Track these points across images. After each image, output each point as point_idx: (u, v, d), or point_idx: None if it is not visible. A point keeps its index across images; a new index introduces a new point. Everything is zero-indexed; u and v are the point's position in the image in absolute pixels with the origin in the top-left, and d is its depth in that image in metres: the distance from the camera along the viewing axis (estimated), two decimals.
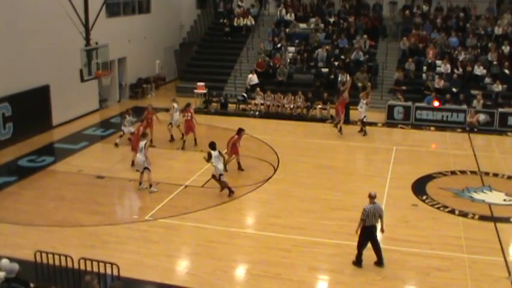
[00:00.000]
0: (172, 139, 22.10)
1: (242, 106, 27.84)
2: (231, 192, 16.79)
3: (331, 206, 16.16)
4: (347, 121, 24.12)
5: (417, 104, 25.49)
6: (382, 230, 12.71)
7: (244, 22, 33.69)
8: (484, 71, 27.70)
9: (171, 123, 22.12)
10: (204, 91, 28.59)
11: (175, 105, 22.35)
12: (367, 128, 23.45)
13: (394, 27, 31.94)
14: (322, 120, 25.84)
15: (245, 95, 28.30)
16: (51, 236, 14.12)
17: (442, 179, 18.52)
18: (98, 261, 10.88)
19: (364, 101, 23.11)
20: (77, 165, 19.56)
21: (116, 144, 21.35)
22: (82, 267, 10.93)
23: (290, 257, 13.19)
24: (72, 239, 13.95)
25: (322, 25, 32.50)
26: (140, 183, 17.27)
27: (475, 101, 25.40)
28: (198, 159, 19.70)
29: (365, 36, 30.60)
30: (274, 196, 17.02)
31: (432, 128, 24.70)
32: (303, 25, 33.02)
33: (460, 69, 27.96)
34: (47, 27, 22.82)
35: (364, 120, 23.20)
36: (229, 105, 28.09)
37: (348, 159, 21.04)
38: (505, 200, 16.78)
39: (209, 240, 14.15)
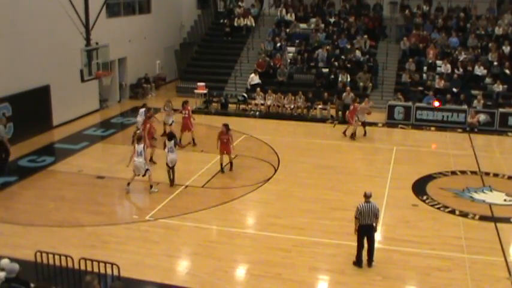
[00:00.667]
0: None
1: (242, 106, 27.84)
2: (171, 183, 17.45)
3: (332, 206, 16.16)
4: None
5: (417, 104, 25.49)
6: (375, 229, 12.70)
7: (245, 22, 33.69)
8: (485, 71, 27.70)
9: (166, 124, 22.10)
10: (205, 91, 28.60)
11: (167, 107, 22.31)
12: (367, 128, 23.41)
13: (395, 29, 31.88)
14: (323, 120, 25.84)
15: (245, 95, 28.30)
16: (52, 236, 14.13)
17: (443, 179, 18.52)
18: (98, 262, 10.89)
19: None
20: (77, 165, 19.56)
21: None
22: (82, 267, 10.94)
23: (290, 257, 13.19)
24: (73, 239, 13.95)
25: (322, 25, 32.50)
26: (151, 187, 17.11)
27: (475, 101, 25.39)
28: (198, 159, 19.77)
29: (365, 36, 30.60)
30: (274, 196, 17.01)
31: (432, 128, 24.69)
32: (303, 25, 33.02)
33: (461, 70, 27.96)
34: (48, 27, 22.84)
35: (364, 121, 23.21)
36: (230, 105, 28.10)
37: (348, 159, 21.03)
38: (505, 200, 16.78)
39: (209, 241, 14.16)
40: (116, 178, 18.27)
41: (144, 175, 17.05)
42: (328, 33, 31.96)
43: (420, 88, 26.96)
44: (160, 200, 16.43)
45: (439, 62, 28.70)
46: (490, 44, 29.08)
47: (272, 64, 30.12)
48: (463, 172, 19.18)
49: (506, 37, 29.42)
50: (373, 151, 22.07)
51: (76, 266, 11.02)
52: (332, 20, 32.95)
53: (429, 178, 18.47)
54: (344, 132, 23.24)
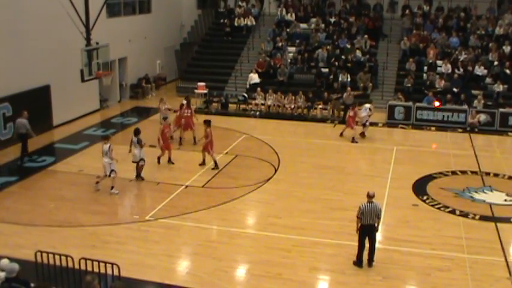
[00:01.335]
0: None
1: (243, 106, 27.84)
2: (138, 177, 17.80)
3: (332, 206, 16.16)
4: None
5: (418, 104, 25.48)
6: (376, 229, 12.69)
7: (245, 22, 33.69)
8: (485, 71, 27.69)
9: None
10: (205, 91, 28.62)
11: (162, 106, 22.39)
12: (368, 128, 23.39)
13: (397, 29, 31.86)
14: (323, 120, 25.83)
15: (246, 95, 28.31)
16: (52, 236, 14.13)
17: (443, 179, 18.51)
18: (99, 261, 10.90)
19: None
20: (78, 165, 19.56)
21: None
22: (82, 267, 10.94)
23: (291, 257, 13.18)
24: (73, 239, 13.95)
25: (322, 25, 32.49)
26: (112, 187, 17.06)
27: (475, 101, 25.39)
28: (198, 159, 19.73)
29: (365, 36, 30.59)
30: (274, 196, 17.01)
31: (433, 128, 24.69)
32: (303, 25, 33.00)
33: (461, 69, 27.95)
34: (48, 27, 22.84)
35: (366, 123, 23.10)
36: (230, 105, 28.10)
37: (348, 159, 21.02)
38: (505, 200, 16.78)
39: (210, 240, 14.16)
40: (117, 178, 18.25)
41: (109, 175, 16.94)
42: (329, 33, 31.96)
43: (429, 92, 26.77)
44: (160, 200, 16.43)
45: (439, 62, 28.70)
46: (490, 44, 29.07)
47: (272, 64, 30.12)
48: (463, 172, 19.18)
49: (507, 37, 29.41)
50: (374, 151, 22.06)
51: (76, 266, 11.02)
52: (332, 20, 32.93)
53: (429, 178, 18.46)
54: (341, 134, 23.20)
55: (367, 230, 12.50)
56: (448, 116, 25.07)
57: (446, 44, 29.86)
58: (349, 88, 26.18)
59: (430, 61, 28.71)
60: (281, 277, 12.30)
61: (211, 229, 14.83)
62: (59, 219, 15.18)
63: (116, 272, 10.85)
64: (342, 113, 25.68)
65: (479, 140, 23.22)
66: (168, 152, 19.32)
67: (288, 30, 32.55)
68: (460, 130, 24.30)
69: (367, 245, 12.61)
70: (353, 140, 22.54)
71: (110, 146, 16.84)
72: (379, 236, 13.35)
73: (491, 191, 17.47)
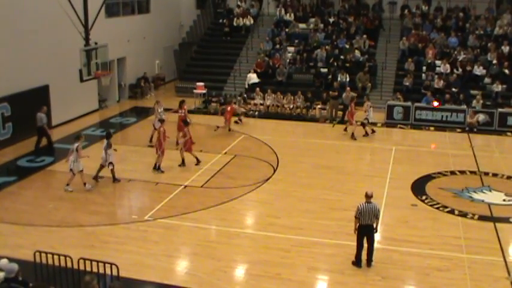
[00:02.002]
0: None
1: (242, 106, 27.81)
2: (115, 180, 17.70)
3: (331, 206, 16.16)
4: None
5: (417, 104, 25.49)
6: (375, 230, 12.70)
7: (244, 22, 33.70)
8: (484, 71, 27.71)
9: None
10: (204, 91, 28.61)
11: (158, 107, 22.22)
12: (367, 128, 23.40)
13: (395, 29, 31.89)
14: (322, 120, 25.83)
15: (245, 95, 28.29)
16: (51, 236, 14.12)
17: (442, 179, 18.52)
18: (98, 262, 10.89)
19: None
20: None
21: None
22: (81, 267, 10.95)
23: (289, 257, 13.19)
24: (72, 239, 13.95)
25: (321, 25, 32.49)
26: (84, 184, 17.24)
27: (474, 101, 25.41)
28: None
29: (364, 36, 30.60)
30: (273, 196, 17.01)
31: (432, 128, 24.70)
32: (302, 25, 33.01)
33: (460, 69, 27.97)
34: (47, 27, 22.84)
35: (365, 122, 23.19)
36: None
37: (347, 159, 21.01)
38: (504, 200, 16.78)
39: (208, 240, 14.15)
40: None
41: (71, 171, 17.15)
42: (327, 33, 31.96)
43: (427, 92, 26.77)
44: (159, 200, 16.43)
45: (438, 62, 28.69)
46: (489, 44, 29.08)
47: (271, 64, 30.12)
48: (462, 172, 19.19)
49: (505, 37, 29.43)
50: (373, 151, 22.07)
51: (75, 266, 11.02)
52: (331, 20, 32.93)
53: (428, 178, 18.47)
54: (345, 129, 23.50)
55: (365, 230, 12.50)
56: (446, 116, 25.07)
57: (445, 44, 29.87)
58: (348, 88, 26.18)
59: (429, 61, 28.71)
60: (280, 277, 12.30)
61: (210, 229, 14.83)
62: (58, 219, 15.18)
63: (114, 272, 10.85)
64: (341, 112, 25.68)
65: (478, 139, 23.23)
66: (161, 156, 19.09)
67: (286, 30, 32.56)
68: (458, 130, 24.31)
69: (365, 245, 12.61)
70: (352, 136, 22.77)
71: (77, 146, 17.01)
72: (378, 236, 13.36)
73: (490, 191, 17.48)
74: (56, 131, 23.68)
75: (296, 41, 31.72)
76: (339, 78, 28.15)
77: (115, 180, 17.85)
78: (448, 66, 28.04)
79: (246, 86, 29.16)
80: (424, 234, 14.39)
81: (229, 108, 23.64)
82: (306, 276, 12.44)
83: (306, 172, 19.04)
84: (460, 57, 28.65)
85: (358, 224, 12.49)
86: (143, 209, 16.13)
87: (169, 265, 12.95)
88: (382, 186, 17.59)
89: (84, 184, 17.18)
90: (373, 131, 23.48)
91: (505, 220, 15.32)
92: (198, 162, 19.34)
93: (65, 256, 11.07)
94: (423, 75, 28.24)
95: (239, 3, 35.12)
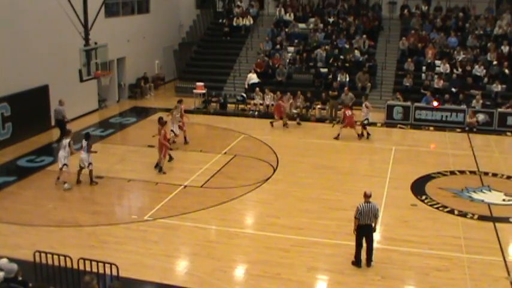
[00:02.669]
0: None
1: (241, 106, 27.84)
2: (92, 182, 17.57)
3: (330, 206, 16.16)
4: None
5: (416, 104, 25.49)
6: (374, 229, 12.70)
7: (244, 22, 33.70)
8: (484, 71, 27.71)
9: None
10: (203, 91, 28.61)
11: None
12: (366, 131, 23.37)
13: (395, 29, 31.90)
14: (322, 120, 25.83)
15: (244, 95, 28.31)
16: (50, 236, 14.12)
17: (441, 179, 18.52)
18: (97, 262, 10.88)
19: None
20: (76, 165, 19.46)
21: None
22: (81, 267, 10.94)
23: (289, 257, 13.18)
24: (71, 239, 13.94)
25: (321, 25, 32.50)
26: (63, 181, 17.38)
27: (474, 101, 25.41)
28: (196, 159, 19.77)
29: (364, 36, 30.61)
30: (273, 196, 17.01)
31: (431, 128, 24.71)
32: (302, 25, 33.03)
33: (460, 69, 27.97)
34: (46, 27, 22.83)
35: (365, 122, 23.08)
36: (229, 105, 28.08)
37: (347, 159, 21.01)
38: (504, 199, 16.78)
39: (208, 240, 14.15)
40: (115, 178, 18.28)
41: (60, 169, 17.33)
42: (327, 33, 31.96)
43: (426, 92, 26.73)
44: (159, 200, 16.42)
45: (437, 62, 28.71)
46: (488, 44, 29.11)
47: (271, 64, 30.12)
48: (461, 172, 19.19)
49: (505, 37, 29.45)
50: (372, 151, 22.06)
51: (75, 266, 11.01)
52: (331, 19, 32.94)
53: (428, 178, 18.47)
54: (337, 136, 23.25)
55: (364, 230, 12.50)
56: (446, 116, 25.08)
57: (445, 44, 29.88)
58: (346, 88, 26.18)
59: (429, 61, 28.72)
60: (280, 277, 12.30)
61: (210, 229, 14.82)
62: (58, 219, 15.17)
63: (114, 272, 10.84)
64: (335, 112, 25.70)
65: (477, 139, 23.23)
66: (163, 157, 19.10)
67: (286, 30, 32.57)
68: (458, 130, 24.31)
69: (364, 244, 12.61)
70: (359, 136, 22.81)
71: (69, 142, 17.24)
72: (378, 235, 13.38)
73: (490, 190, 17.48)
74: (55, 131, 23.63)
75: (296, 41, 31.73)
76: (338, 78, 28.17)
77: (92, 182, 17.67)
78: (447, 66, 28.05)
79: (246, 86, 29.17)
80: (423, 234, 14.39)
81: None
82: (305, 276, 12.44)
83: (306, 172, 19.04)
84: (460, 57, 28.66)
85: (357, 224, 12.48)
86: (143, 209, 16.13)
87: (169, 265, 12.95)
88: (381, 186, 17.59)
89: (64, 183, 17.28)
90: (369, 135, 23.07)
91: (504, 220, 15.32)
92: (170, 158, 19.38)
93: (65, 256, 11.07)
94: (423, 75, 28.25)
95: (239, 3, 35.12)
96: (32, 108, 22.38)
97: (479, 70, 27.74)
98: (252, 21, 33.73)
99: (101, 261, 10.90)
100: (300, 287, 12.06)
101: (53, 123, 23.94)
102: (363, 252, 12.66)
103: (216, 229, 14.81)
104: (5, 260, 9.49)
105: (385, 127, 25.05)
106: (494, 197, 16.91)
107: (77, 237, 14.11)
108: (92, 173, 17.68)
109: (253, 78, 29.19)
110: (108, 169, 18.93)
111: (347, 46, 30.33)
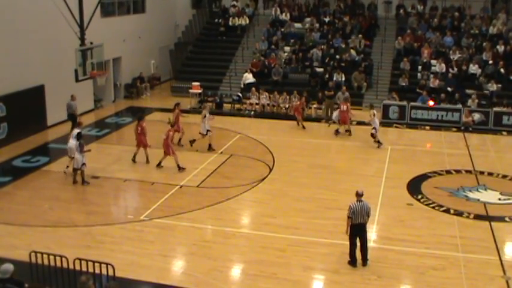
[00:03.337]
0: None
1: (237, 106, 27.84)
2: (84, 182, 17.64)
3: (326, 205, 16.17)
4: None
5: (412, 104, 25.54)
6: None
7: (239, 22, 33.69)
8: (479, 71, 27.77)
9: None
10: (199, 91, 28.61)
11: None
12: (363, 127, 23.39)
13: (390, 28, 31.93)
14: (318, 119, 25.85)
15: (240, 94, 28.31)
16: (46, 236, 14.09)
17: (437, 178, 18.56)
18: (93, 262, 10.86)
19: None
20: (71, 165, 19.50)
21: None
22: (77, 267, 10.90)
23: (285, 256, 13.19)
24: (67, 239, 13.92)
25: (317, 25, 32.53)
26: (82, 180, 17.64)
27: (470, 101, 25.46)
28: (193, 159, 19.75)
29: (360, 35, 30.64)
30: (269, 196, 17.01)
31: (427, 128, 24.75)
32: (298, 25, 33.04)
33: (455, 69, 28.03)
34: (42, 27, 22.78)
35: (373, 132, 22.25)
36: (225, 105, 28.08)
37: (343, 158, 21.04)
38: (499, 199, 16.82)
39: (204, 240, 14.15)
40: (111, 178, 18.26)
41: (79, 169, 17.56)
42: (323, 32, 31.98)
43: (422, 91, 26.75)
44: (155, 200, 16.41)
45: (433, 62, 28.77)
46: (484, 44, 29.16)
47: (267, 64, 30.12)
48: (457, 171, 19.23)
49: (501, 36, 29.52)
50: (368, 150, 22.04)
51: (71, 266, 10.98)
52: (327, 19, 32.98)
53: (424, 177, 18.50)
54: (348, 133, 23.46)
55: (357, 229, 12.52)
56: (442, 116, 25.14)
57: (441, 43, 29.93)
58: (343, 88, 26.20)
59: (425, 60, 28.78)
60: (276, 276, 12.30)
61: (206, 229, 14.82)
62: (54, 219, 15.14)
63: (110, 272, 10.82)
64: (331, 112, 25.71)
65: (473, 139, 23.26)
66: (165, 156, 19.12)
67: (282, 29, 32.58)
68: (454, 129, 24.36)
69: (358, 244, 12.62)
70: (337, 132, 22.99)
71: (81, 142, 17.70)
72: (373, 235, 13.41)
73: (486, 190, 17.52)
74: (51, 131, 23.66)
75: (292, 40, 31.74)
76: (334, 78, 28.20)
77: (84, 182, 17.65)
78: (443, 65, 28.09)
79: (242, 86, 29.17)
80: (419, 233, 14.42)
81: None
82: (301, 275, 12.45)
83: (302, 172, 19.05)
84: (456, 57, 28.71)
85: (350, 224, 12.49)
86: (139, 208, 16.12)
87: (165, 265, 12.94)
88: (377, 185, 17.61)
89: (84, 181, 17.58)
90: (380, 144, 21.94)
91: (500, 219, 15.35)
92: (146, 161, 19.50)
93: (61, 256, 11.04)
94: (419, 74, 28.32)
95: (235, 3, 35.11)
96: (27, 109, 22.33)
97: (474, 69, 27.79)
98: (247, 21, 33.73)
99: (97, 261, 10.87)
100: (296, 286, 12.06)
101: (51, 123, 24.02)
102: (357, 252, 12.67)
103: (212, 229, 14.81)
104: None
105: (381, 126, 24.96)
106: (490, 196, 16.95)
107: (73, 237, 14.09)
108: (83, 173, 17.65)
109: (249, 78, 29.21)
110: (104, 169, 18.92)
111: (343, 46, 30.36)
